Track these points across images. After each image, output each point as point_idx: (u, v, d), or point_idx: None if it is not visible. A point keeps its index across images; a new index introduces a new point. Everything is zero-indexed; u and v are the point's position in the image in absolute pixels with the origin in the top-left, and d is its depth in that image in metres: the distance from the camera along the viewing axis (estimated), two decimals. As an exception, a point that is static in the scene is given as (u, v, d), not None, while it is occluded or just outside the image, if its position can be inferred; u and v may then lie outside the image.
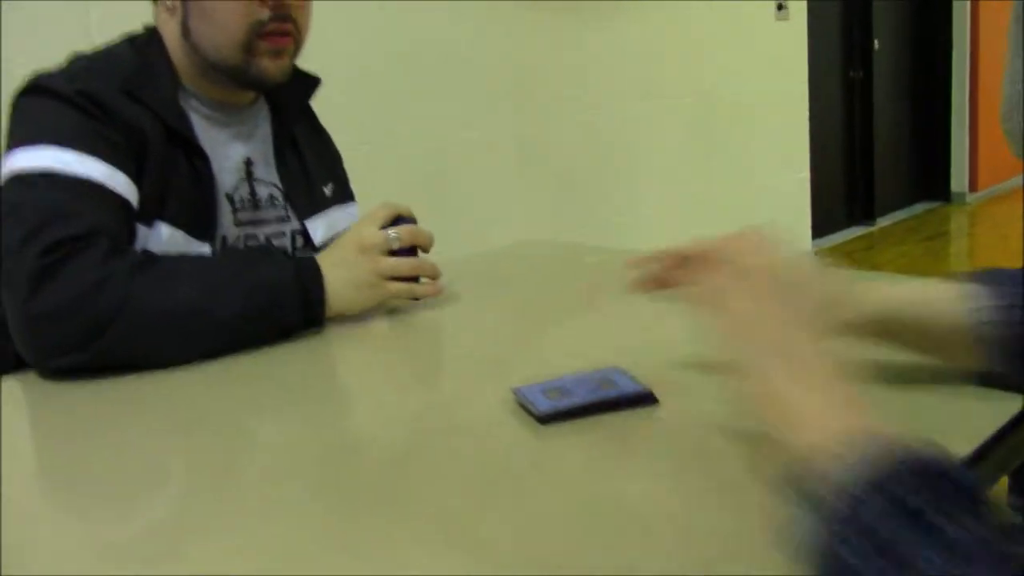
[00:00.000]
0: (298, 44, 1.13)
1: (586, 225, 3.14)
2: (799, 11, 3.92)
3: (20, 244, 0.90)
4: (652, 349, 0.91)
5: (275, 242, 1.18)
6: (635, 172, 3.33)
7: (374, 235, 1.05)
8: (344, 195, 1.31)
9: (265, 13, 1.06)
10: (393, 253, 1.06)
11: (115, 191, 0.98)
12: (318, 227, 1.23)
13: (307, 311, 1.00)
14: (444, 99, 2.68)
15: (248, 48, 1.07)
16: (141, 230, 1.03)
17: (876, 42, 5.32)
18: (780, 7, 3.82)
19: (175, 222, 1.05)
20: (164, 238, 1.05)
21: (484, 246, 2.61)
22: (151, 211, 1.04)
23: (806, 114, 4.07)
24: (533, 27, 2.90)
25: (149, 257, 0.96)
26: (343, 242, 1.07)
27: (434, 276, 1.10)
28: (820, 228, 4.70)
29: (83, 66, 1.08)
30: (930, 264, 4.66)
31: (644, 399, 0.74)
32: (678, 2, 3.36)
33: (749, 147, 3.75)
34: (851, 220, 5.42)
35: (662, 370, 0.81)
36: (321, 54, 1.93)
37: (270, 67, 1.09)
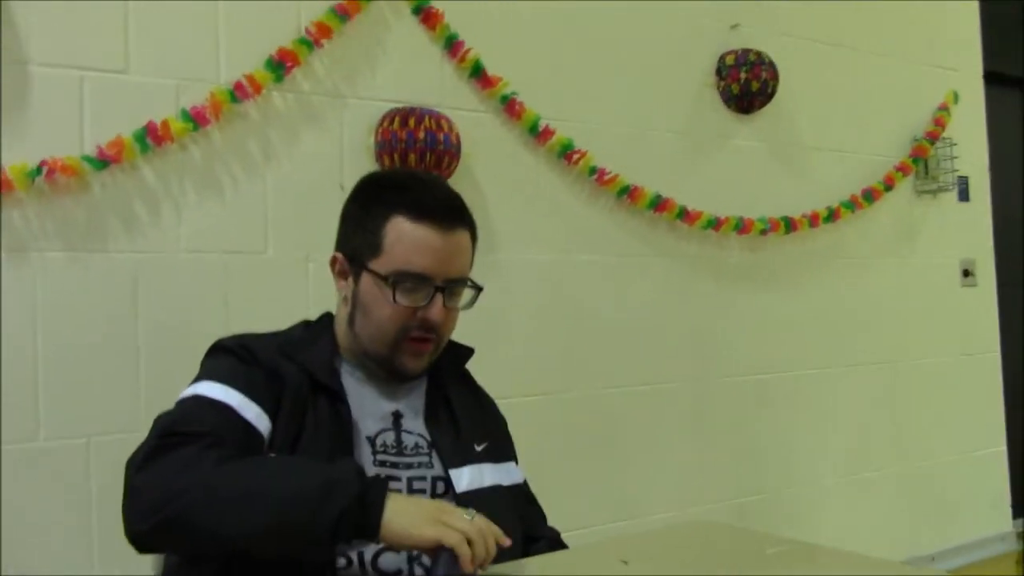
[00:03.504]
0: (438, 346, 1.31)
1: (759, 494, 3.02)
2: (986, 277, 3.82)
3: (149, 436, 1.10)
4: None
5: (415, 485, 1.26)
6: (815, 441, 3.21)
7: (459, 509, 1.07)
8: (500, 455, 1.37)
9: (414, 323, 1.25)
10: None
11: (243, 416, 1.17)
12: (463, 477, 1.28)
13: (364, 508, 1.00)
14: (625, 353, 2.75)
15: (395, 346, 1.26)
16: None
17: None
18: (966, 273, 3.73)
19: (313, 455, 1.18)
20: None
21: (648, 512, 2.60)
22: (290, 444, 1.18)
23: (999, 383, 3.84)
24: (712, 291, 2.98)
25: (240, 454, 1.08)
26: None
27: (486, 562, 1.05)
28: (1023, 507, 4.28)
29: (260, 334, 1.30)
30: None
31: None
32: (861, 268, 3.37)
33: (939, 418, 3.56)
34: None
35: None
36: (507, 306, 2.06)
37: (410, 364, 1.28)
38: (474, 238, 1.31)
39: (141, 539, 1.05)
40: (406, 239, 1.23)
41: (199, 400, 1.17)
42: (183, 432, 1.09)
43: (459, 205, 1.29)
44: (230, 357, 1.24)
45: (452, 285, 1.27)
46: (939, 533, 3.42)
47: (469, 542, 0.99)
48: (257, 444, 1.16)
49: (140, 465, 1.06)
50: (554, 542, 1.40)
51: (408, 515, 1.01)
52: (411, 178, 1.41)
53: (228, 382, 1.18)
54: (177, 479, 1.03)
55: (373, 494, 1.01)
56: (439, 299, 1.24)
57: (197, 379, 1.23)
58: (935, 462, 3.52)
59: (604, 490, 2.65)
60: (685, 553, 1.32)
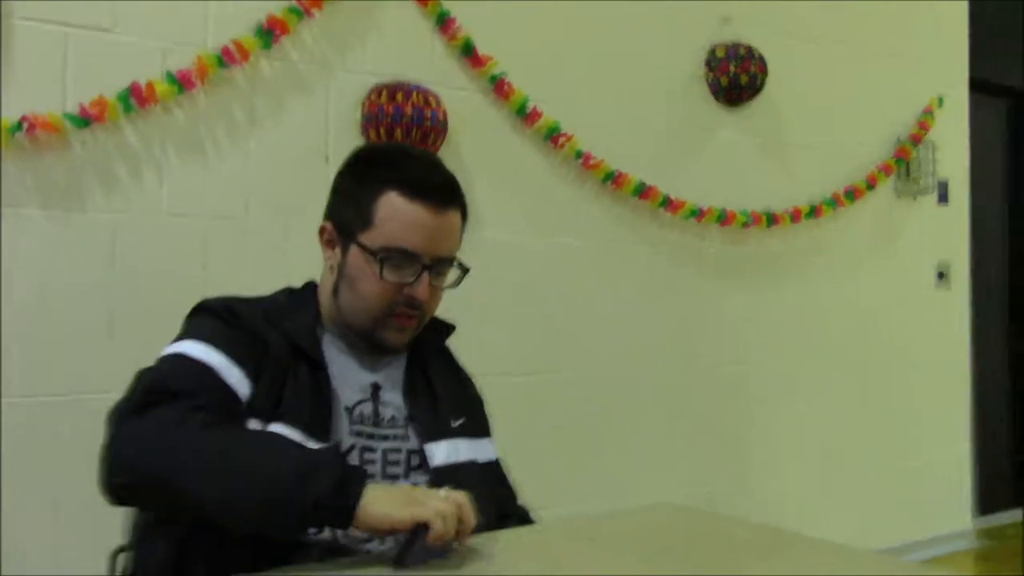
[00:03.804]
0: (421, 322, 1.30)
1: (731, 483, 3.05)
2: (960, 280, 3.86)
3: (132, 390, 1.10)
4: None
5: (390, 457, 1.26)
6: (789, 433, 3.25)
7: (432, 491, 1.07)
8: (476, 431, 1.38)
9: (400, 299, 1.25)
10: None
11: (224, 378, 1.16)
12: (438, 451, 1.29)
13: (340, 494, 1.00)
14: (605, 338, 2.76)
15: (377, 321, 1.26)
16: (257, 425, 1.16)
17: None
18: (941, 276, 3.78)
19: (293, 424, 1.18)
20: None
21: (617, 495, 2.62)
22: (268, 411, 1.17)
23: (967, 385, 3.90)
24: (693, 281, 3.00)
25: (228, 420, 1.09)
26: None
27: (462, 534, 1.04)
28: (984, 505, 4.35)
29: (243, 297, 1.29)
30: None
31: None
32: (840, 266, 3.40)
33: (909, 416, 3.61)
34: (1020, 500, 4.98)
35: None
36: (491, 286, 2.05)
37: (392, 338, 1.28)
38: (465, 218, 1.31)
39: (118, 491, 1.05)
40: (398, 216, 1.23)
41: (182, 359, 1.16)
42: (169, 390, 1.08)
43: (454, 186, 1.29)
44: (214, 318, 1.23)
45: (440, 264, 1.27)
46: (905, 527, 3.47)
47: (445, 519, 1.00)
48: (235, 407, 1.16)
49: (124, 418, 1.06)
50: (524, 520, 1.41)
51: (384, 501, 1.01)
52: (407, 155, 1.40)
53: (211, 343, 1.18)
54: (162, 437, 1.03)
55: (352, 482, 1.01)
56: (426, 277, 1.24)
57: (180, 337, 1.22)
58: (904, 458, 3.57)
59: (579, 472, 2.67)
60: (654, 534, 1.33)
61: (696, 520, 1.53)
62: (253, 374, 1.18)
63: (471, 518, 1.04)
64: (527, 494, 1.46)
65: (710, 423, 3.04)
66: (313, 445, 1.17)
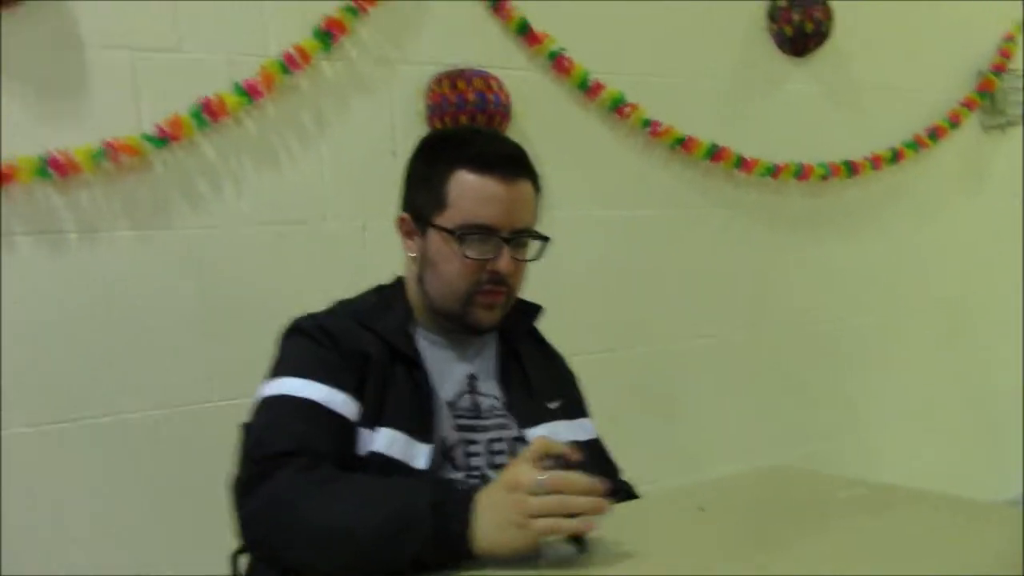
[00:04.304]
0: (509, 298, 1.30)
1: (824, 442, 2.99)
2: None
3: (244, 458, 1.14)
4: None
5: (494, 447, 1.28)
6: (880, 386, 3.16)
7: (525, 474, 1.01)
8: (573, 411, 1.38)
9: (484, 276, 1.25)
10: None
11: (331, 408, 1.18)
12: (538, 435, 1.28)
13: (442, 543, 0.99)
14: (686, 306, 2.74)
15: (466, 301, 1.26)
16: (365, 434, 1.19)
17: None
18: (1035, 208, 3.61)
19: (397, 426, 1.19)
20: (387, 440, 1.19)
21: (715, 464, 2.59)
22: (374, 417, 1.19)
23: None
24: (772, 240, 2.93)
25: (330, 476, 1.09)
26: (498, 481, 1.07)
27: (592, 510, 1.01)
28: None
29: (334, 308, 1.32)
30: None
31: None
32: (926, 209, 3.29)
33: (1005, 358, 3.47)
34: None
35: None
36: (566, 265, 2.04)
37: (483, 317, 1.28)
38: (537, 189, 1.30)
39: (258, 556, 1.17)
40: (471, 192, 1.23)
41: (284, 403, 1.18)
42: (276, 454, 1.10)
43: (521, 156, 1.29)
44: (307, 341, 1.24)
45: (518, 236, 1.26)
46: (1008, 477, 3.35)
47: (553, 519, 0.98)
48: (348, 432, 1.18)
49: (242, 494, 1.11)
50: (630, 495, 1.41)
51: (490, 533, 0.99)
52: (472, 132, 1.42)
53: (309, 374, 1.19)
54: (272, 520, 1.07)
55: (454, 524, 0.99)
56: (506, 251, 1.24)
57: (277, 369, 1.24)
58: (1002, 404, 3.43)
59: (669, 445, 2.65)
60: (759, 498, 1.32)
61: (803, 480, 1.51)
62: (357, 391, 1.20)
63: (580, 492, 1.00)
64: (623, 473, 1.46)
65: (798, 384, 2.98)
66: (418, 444, 1.19)
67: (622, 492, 1.38)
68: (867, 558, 1.01)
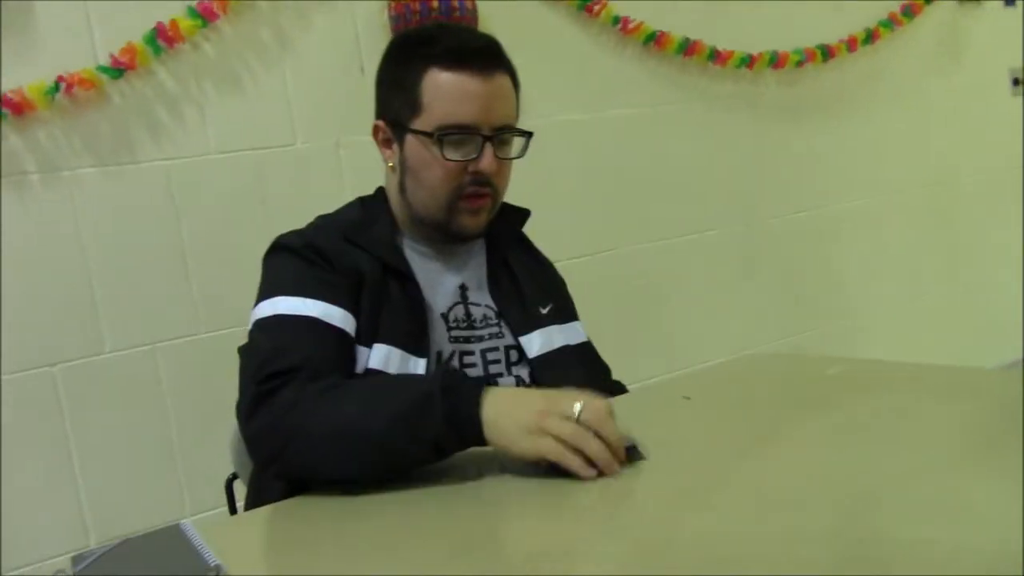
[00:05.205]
0: (495, 202, 1.25)
1: (812, 330, 3.02)
2: (1038, 84, 3.64)
3: (248, 378, 1.09)
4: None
5: (489, 356, 1.26)
6: (866, 271, 3.18)
7: (566, 400, 0.97)
8: (564, 315, 1.36)
9: (467, 179, 1.20)
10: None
11: (331, 324, 1.14)
12: (533, 342, 1.28)
13: (455, 424, 0.98)
14: (668, 204, 2.71)
15: (450, 208, 1.21)
16: (362, 351, 1.16)
17: None
18: (1016, 82, 3.57)
19: (392, 341, 1.17)
20: (383, 356, 1.17)
21: (709, 352, 2.61)
22: (369, 334, 1.17)
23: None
24: (751, 131, 2.90)
25: (335, 383, 1.06)
26: (541, 392, 1.03)
27: (603, 464, 0.95)
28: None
29: (317, 224, 1.27)
30: None
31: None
32: (905, 89, 3.24)
33: (993, 235, 3.48)
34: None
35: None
36: (545, 170, 2.00)
37: (468, 223, 1.23)
38: (515, 83, 1.24)
39: (278, 479, 1.08)
40: (445, 90, 1.17)
41: (282, 322, 1.14)
42: (278, 371, 1.06)
43: (495, 48, 1.22)
44: (296, 259, 1.19)
45: (500, 133, 1.21)
46: (995, 351, 3.40)
47: (566, 449, 0.93)
48: (349, 345, 1.15)
49: (248, 415, 1.06)
50: (622, 393, 1.40)
51: (505, 428, 0.96)
52: (441, 29, 1.34)
53: (303, 292, 1.15)
54: (280, 430, 1.02)
55: (464, 405, 0.98)
56: (489, 149, 1.18)
57: (269, 289, 1.18)
58: (990, 280, 3.46)
59: (659, 343, 2.67)
60: (748, 383, 1.32)
61: (789, 364, 1.51)
62: (353, 307, 1.17)
63: (607, 433, 0.95)
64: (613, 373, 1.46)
65: (785, 273, 2.98)
66: (414, 359, 1.17)
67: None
68: (867, 435, 1.00)
